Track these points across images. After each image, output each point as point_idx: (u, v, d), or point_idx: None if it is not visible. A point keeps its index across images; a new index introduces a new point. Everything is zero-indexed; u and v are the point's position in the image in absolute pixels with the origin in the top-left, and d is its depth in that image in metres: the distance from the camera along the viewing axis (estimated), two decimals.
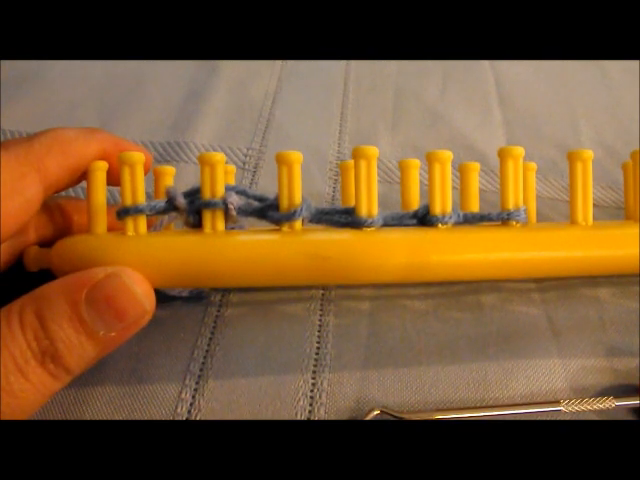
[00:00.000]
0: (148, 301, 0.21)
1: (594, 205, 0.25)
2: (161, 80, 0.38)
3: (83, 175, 0.24)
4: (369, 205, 0.23)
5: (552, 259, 0.24)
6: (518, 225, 0.24)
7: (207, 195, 0.23)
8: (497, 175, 0.33)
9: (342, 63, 0.41)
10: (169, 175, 0.26)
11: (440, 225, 0.23)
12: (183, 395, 0.24)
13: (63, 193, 0.26)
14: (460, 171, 0.25)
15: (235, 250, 0.22)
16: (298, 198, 0.23)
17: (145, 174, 0.23)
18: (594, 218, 0.25)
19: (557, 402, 0.23)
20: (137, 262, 0.22)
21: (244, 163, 0.33)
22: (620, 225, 0.25)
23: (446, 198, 0.23)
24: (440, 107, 0.38)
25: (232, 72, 0.39)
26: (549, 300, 0.27)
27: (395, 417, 0.23)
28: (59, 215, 0.25)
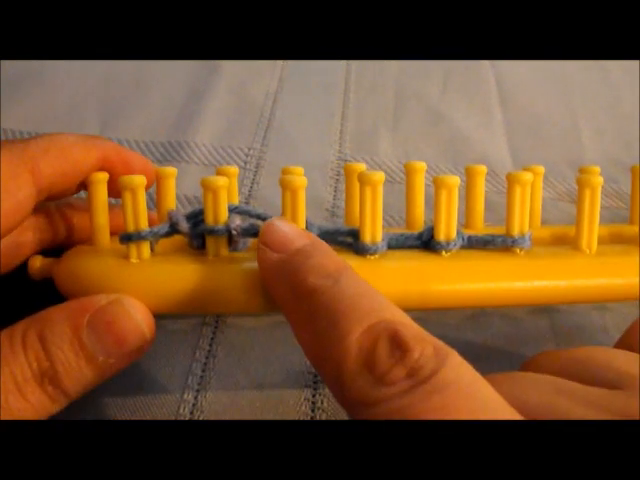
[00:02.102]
0: (148, 329, 0.21)
1: None
2: (162, 80, 0.38)
3: (82, 184, 0.23)
4: (373, 232, 0.22)
5: (555, 288, 0.24)
6: (522, 253, 0.23)
7: (210, 221, 0.22)
8: (498, 175, 0.33)
9: (343, 63, 0.41)
10: (171, 177, 0.25)
11: (444, 252, 0.23)
12: (185, 396, 0.24)
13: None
14: (466, 175, 0.25)
15: (238, 279, 0.22)
16: (302, 225, 0.22)
17: (148, 187, 0.23)
18: None
19: None
20: (140, 289, 0.22)
21: (245, 163, 0.33)
22: (624, 252, 0.25)
23: (451, 224, 0.23)
24: (441, 107, 0.38)
25: (233, 72, 0.39)
26: (552, 305, 0.27)
27: None
28: (59, 218, 0.25)
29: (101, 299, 0.21)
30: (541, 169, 0.27)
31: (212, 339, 0.26)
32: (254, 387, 0.24)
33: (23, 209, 0.22)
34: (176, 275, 0.22)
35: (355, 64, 0.41)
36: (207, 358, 0.25)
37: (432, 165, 0.34)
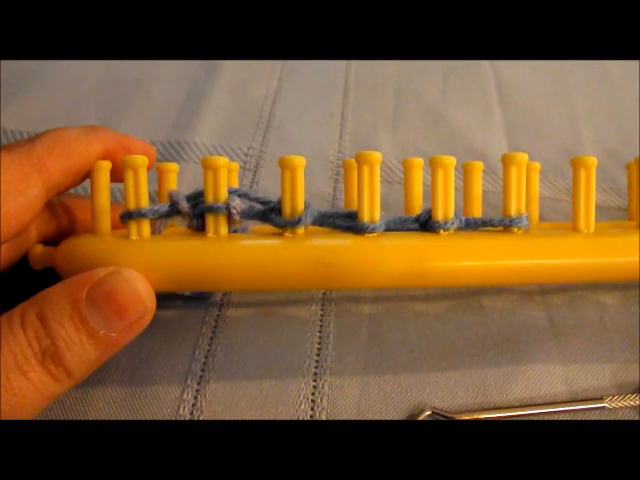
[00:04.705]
0: (149, 299, 0.21)
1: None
2: (162, 80, 0.38)
3: (87, 174, 0.24)
4: (371, 211, 0.23)
5: (553, 267, 0.24)
6: (520, 232, 0.24)
7: (210, 200, 0.23)
8: (498, 176, 0.33)
9: (342, 63, 0.41)
10: (172, 172, 0.26)
11: (442, 231, 0.23)
12: (185, 396, 0.24)
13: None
14: (464, 170, 0.25)
15: (237, 255, 0.22)
16: (301, 204, 0.23)
17: (149, 169, 0.23)
18: (595, 219, 0.25)
19: (601, 399, 0.24)
20: (140, 266, 0.22)
21: (245, 162, 0.33)
22: (622, 232, 0.25)
23: (448, 204, 0.23)
24: (440, 107, 0.38)
25: (233, 72, 0.39)
26: (551, 302, 0.27)
27: (446, 417, 0.23)
28: (62, 213, 0.25)
29: (99, 272, 0.21)
30: (537, 165, 0.27)
31: (211, 338, 0.26)
32: (254, 386, 0.24)
33: (33, 208, 0.22)
34: (175, 251, 0.22)
35: (355, 64, 0.41)
36: (206, 358, 0.25)
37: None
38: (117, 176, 0.23)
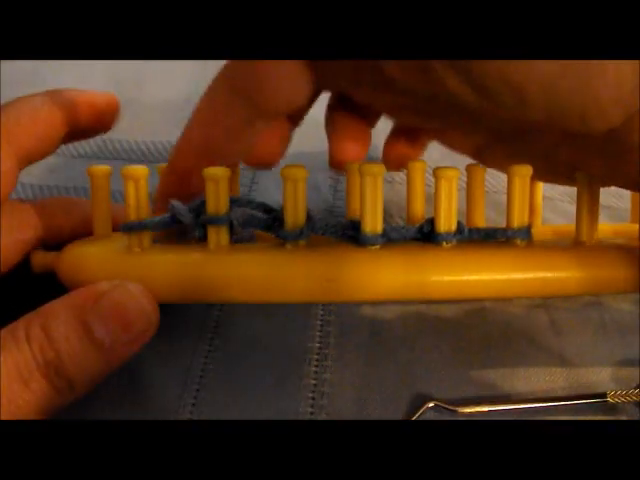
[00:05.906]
0: (153, 313, 0.21)
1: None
2: (162, 80, 0.38)
3: (57, 142, 0.23)
4: (374, 223, 0.23)
5: (556, 279, 0.24)
6: (522, 244, 0.24)
7: (212, 211, 0.23)
8: (499, 176, 0.33)
9: None
10: None
11: (444, 244, 0.23)
12: (185, 396, 0.24)
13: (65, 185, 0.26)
14: (468, 174, 0.25)
15: (238, 269, 0.23)
16: (303, 216, 0.23)
17: (114, 119, 0.23)
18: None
19: (602, 394, 0.24)
20: (142, 279, 0.22)
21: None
22: (625, 245, 0.25)
23: (452, 216, 0.23)
24: None
25: None
26: (551, 302, 0.27)
27: (449, 409, 0.23)
28: (61, 214, 0.25)
29: (104, 285, 0.21)
30: None
31: (211, 338, 0.26)
32: (254, 386, 0.24)
33: (7, 182, 0.22)
34: (178, 264, 0.23)
35: None
36: (206, 358, 0.25)
37: (433, 166, 0.33)
38: (79, 134, 0.24)
